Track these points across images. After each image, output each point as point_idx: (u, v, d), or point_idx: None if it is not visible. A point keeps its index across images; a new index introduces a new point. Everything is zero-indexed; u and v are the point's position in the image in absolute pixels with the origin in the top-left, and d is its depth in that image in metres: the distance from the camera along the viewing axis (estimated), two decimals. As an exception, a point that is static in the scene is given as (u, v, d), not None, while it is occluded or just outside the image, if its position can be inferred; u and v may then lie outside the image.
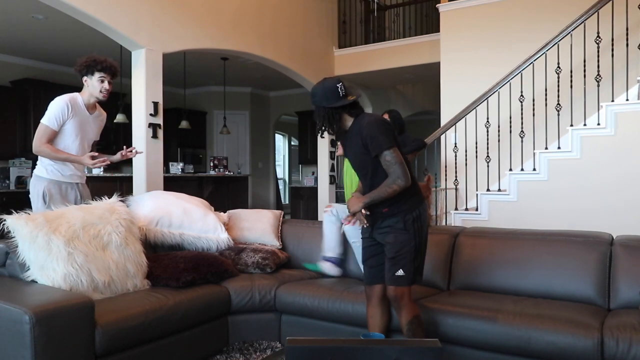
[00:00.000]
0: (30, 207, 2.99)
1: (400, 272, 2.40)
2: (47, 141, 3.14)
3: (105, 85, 3.22)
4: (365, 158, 2.46)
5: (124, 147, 3.54)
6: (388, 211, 2.45)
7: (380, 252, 2.52)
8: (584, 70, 4.45)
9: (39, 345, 2.14)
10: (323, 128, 2.52)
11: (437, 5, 6.41)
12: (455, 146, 5.03)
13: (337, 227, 3.45)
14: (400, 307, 2.45)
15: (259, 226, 3.83)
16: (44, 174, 3.22)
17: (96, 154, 3.25)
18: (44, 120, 3.16)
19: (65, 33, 6.38)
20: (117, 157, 3.42)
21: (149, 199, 3.66)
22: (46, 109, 3.20)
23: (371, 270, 2.59)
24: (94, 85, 3.21)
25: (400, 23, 8.15)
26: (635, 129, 4.21)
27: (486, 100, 4.78)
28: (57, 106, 3.15)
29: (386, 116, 5.23)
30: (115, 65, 3.26)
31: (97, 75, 3.19)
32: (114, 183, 6.46)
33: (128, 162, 3.86)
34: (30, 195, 3.25)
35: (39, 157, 3.26)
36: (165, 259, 3.14)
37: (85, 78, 3.22)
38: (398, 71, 7.59)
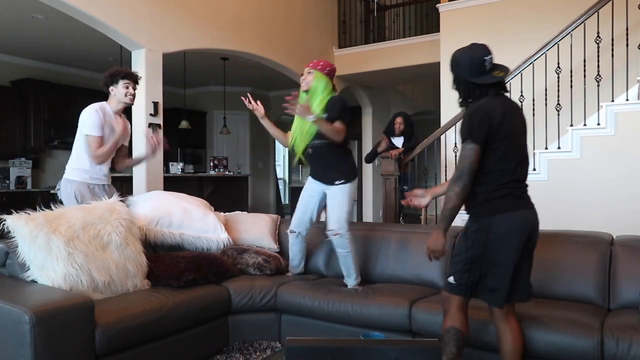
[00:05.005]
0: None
1: (451, 279, 2.25)
2: (98, 148, 3.37)
3: (131, 90, 3.47)
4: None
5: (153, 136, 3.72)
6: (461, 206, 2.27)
7: None
8: (584, 70, 4.45)
9: (39, 345, 2.14)
10: (464, 101, 2.22)
11: (437, 5, 6.40)
12: (455, 146, 5.02)
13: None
14: (444, 311, 2.32)
15: (256, 229, 3.83)
16: (75, 177, 3.43)
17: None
18: (87, 132, 3.35)
19: (65, 33, 6.37)
20: (149, 149, 3.65)
21: (149, 199, 3.67)
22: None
23: None
24: (120, 92, 3.46)
25: (400, 23, 8.15)
26: (635, 128, 4.21)
27: (486, 100, 4.77)
28: (91, 114, 3.37)
29: (399, 119, 5.42)
30: (136, 73, 3.53)
31: (121, 82, 3.45)
32: (114, 183, 6.45)
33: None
34: (61, 198, 3.47)
35: (69, 161, 3.47)
36: (166, 258, 3.15)
37: (111, 88, 3.47)
38: (398, 71, 7.59)
